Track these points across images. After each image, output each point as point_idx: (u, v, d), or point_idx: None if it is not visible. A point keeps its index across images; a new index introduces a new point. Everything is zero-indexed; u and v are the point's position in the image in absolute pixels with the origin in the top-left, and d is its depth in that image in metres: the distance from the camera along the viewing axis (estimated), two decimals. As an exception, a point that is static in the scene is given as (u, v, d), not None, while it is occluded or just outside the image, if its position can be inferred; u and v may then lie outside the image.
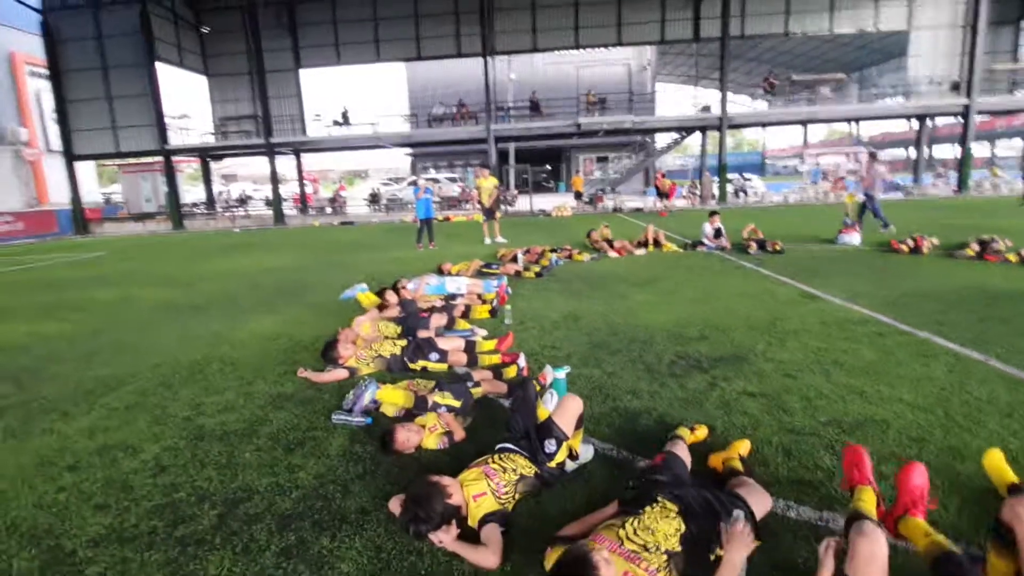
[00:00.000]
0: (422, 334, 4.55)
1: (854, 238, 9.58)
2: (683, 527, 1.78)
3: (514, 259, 8.86)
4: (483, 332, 4.76)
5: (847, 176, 24.91)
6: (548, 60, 31.36)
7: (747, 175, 29.38)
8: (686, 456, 2.32)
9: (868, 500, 1.90)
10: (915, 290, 5.78)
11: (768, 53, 37.51)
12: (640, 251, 9.52)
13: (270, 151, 23.46)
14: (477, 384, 3.32)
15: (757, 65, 39.85)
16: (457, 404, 3.02)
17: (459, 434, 2.81)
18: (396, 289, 5.98)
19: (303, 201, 28.24)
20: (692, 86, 45.61)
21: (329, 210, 28.98)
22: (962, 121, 22.27)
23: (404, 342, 4.13)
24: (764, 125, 29.15)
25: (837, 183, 25.50)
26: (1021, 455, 2.45)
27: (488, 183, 12.53)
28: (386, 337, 4.27)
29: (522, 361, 3.84)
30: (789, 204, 22.46)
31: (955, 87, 22.79)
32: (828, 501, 2.21)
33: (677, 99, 39.53)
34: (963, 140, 22.28)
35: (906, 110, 24.74)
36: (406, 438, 2.69)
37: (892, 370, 3.58)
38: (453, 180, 30.22)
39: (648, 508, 1.83)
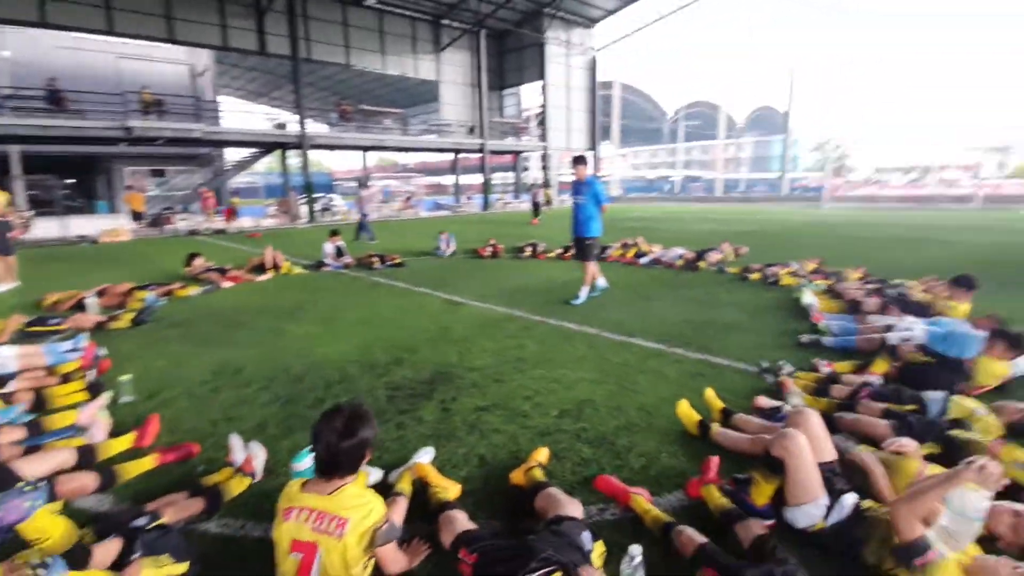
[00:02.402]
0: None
1: (450, 247, 11.23)
2: None
3: (80, 306, 6.21)
4: (101, 421, 3.05)
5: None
6: (64, 43, 23.00)
7: (330, 195, 30.42)
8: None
9: (646, 504, 2.23)
10: (513, 287, 7.22)
11: (326, 81, 39.58)
12: (262, 277, 8.32)
13: None
14: (156, 516, 2.07)
15: (316, 91, 41.47)
16: (183, 569, 1.75)
17: None
18: None
19: None
20: (256, 103, 43.65)
21: None
22: (480, 156, 29.57)
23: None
24: (343, 148, 30.40)
25: (406, 202, 30.04)
26: (673, 397, 3.29)
27: (3, 199, 8.37)
28: None
29: (242, 452, 2.57)
30: (372, 220, 24.33)
31: (471, 130, 30.13)
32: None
33: (244, 115, 36.29)
34: (483, 170, 29.77)
35: (445, 145, 30.78)
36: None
37: (556, 356, 4.29)
38: None
39: None
